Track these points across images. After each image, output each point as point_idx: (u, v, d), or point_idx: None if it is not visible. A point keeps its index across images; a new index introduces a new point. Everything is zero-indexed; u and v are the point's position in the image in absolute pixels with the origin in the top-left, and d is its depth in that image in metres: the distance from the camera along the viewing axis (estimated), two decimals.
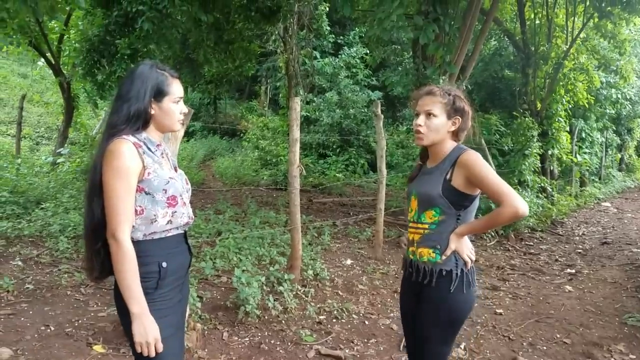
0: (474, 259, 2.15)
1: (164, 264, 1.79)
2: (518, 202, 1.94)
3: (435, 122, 2.12)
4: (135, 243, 1.74)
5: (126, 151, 1.70)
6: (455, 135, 2.19)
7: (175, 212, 1.83)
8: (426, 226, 2.14)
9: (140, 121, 1.80)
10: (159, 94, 1.83)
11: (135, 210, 1.74)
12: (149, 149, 1.80)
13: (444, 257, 2.09)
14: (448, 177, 2.08)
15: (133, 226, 1.74)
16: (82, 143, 11.31)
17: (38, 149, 14.13)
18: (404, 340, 3.93)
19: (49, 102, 15.69)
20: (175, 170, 1.94)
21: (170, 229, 1.83)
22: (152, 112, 1.83)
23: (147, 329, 1.70)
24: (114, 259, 1.70)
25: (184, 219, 1.88)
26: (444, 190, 2.07)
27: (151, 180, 1.76)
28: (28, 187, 7.40)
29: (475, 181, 2.02)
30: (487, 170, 2.01)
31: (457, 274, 2.08)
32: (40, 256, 5.14)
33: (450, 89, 2.19)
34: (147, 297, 1.73)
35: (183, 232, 1.93)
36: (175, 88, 1.87)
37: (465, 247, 2.12)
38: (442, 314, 2.10)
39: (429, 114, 2.13)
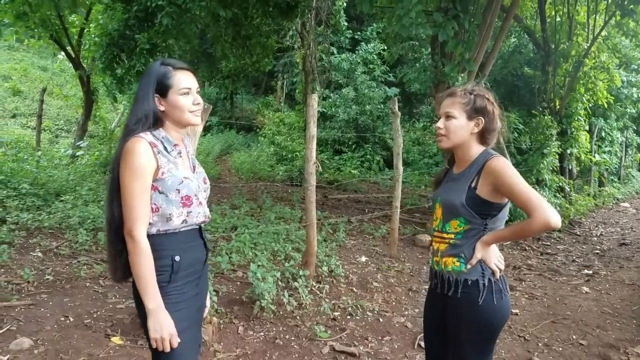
0: (502, 267, 2.00)
1: (177, 258, 1.80)
2: (549, 214, 1.78)
3: (454, 124, 2.00)
4: (149, 237, 1.76)
5: (141, 150, 1.72)
6: (481, 137, 2.04)
7: (191, 212, 1.84)
8: (452, 236, 2.01)
9: (150, 120, 1.80)
10: (162, 88, 1.81)
11: (152, 208, 1.77)
12: (165, 148, 1.81)
13: (469, 266, 1.96)
14: (473, 184, 1.95)
15: (150, 223, 1.77)
16: (101, 136, 11.44)
17: (57, 141, 14.32)
18: (418, 338, 3.94)
19: (68, 95, 15.91)
20: (194, 170, 1.94)
21: (185, 226, 1.85)
22: (163, 108, 1.83)
23: (161, 325, 1.72)
24: (130, 256, 1.73)
25: (199, 218, 1.89)
26: (468, 199, 1.94)
27: (165, 180, 1.77)
28: (48, 179, 7.50)
29: (503, 190, 1.89)
30: (516, 178, 1.86)
31: (484, 284, 1.94)
32: (59, 248, 5.21)
33: (473, 88, 2.05)
34: (161, 290, 1.75)
35: (198, 227, 1.94)
36: (179, 79, 1.82)
37: (493, 256, 1.97)
38: (472, 327, 1.96)
39: (448, 116, 2.02)
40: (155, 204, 1.77)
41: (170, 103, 1.82)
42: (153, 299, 1.72)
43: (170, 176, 1.78)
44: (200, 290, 1.95)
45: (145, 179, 1.73)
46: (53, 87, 17.40)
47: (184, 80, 1.83)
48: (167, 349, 1.74)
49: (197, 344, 1.94)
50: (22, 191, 6.69)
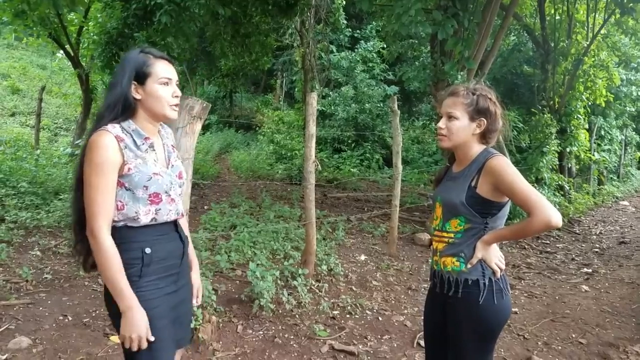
0: (503, 267, 1.98)
1: (148, 250, 1.71)
2: (550, 213, 1.75)
3: (457, 125, 1.97)
4: (117, 229, 1.68)
5: (105, 144, 1.63)
6: (482, 137, 2.01)
7: (160, 209, 1.75)
8: (451, 235, 1.99)
9: (119, 107, 1.70)
10: (140, 76, 1.72)
11: (116, 205, 1.68)
12: (134, 142, 1.71)
13: (469, 266, 1.94)
14: (473, 183, 1.92)
15: (114, 220, 1.68)
16: None
17: (56, 140, 14.31)
18: (417, 337, 3.93)
19: (67, 93, 15.93)
20: (168, 163, 1.83)
21: (155, 223, 1.76)
22: (139, 97, 1.73)
23: (132, 325, 1.63)
24: (95, 257, 1.65)
25: (170, 215, 1.80)
26: (468, 198, 1.92)
27: (132, 176, 1.67)
28: (47, 178, 7.49)
29: (503, 189, 1.86)
30: (516, 177, 1.83)
31: (484, 283, 1.92)
32: (58, 246, 5.20)
33: (476, 88, 2.02)
34: (132, 285, 1.65)
35: (172, 220, 1.84)
36: (160, 68, 1.74)
37: (494, 256, 1.95)
38: (472, 327, 1.94)
39: (450, 116, 1.99)
40: (120, 201, 1.68)
41: (148, 92, 1.72)
42: (124, 298, 1.62)
43: (137, 172, 1.68)
44: (179, 287, 1.85)
45: (109, 176, 1.63)
46: (52, 86, 17.40)
47: (164, 71, 1.75)
48: (134, 349, 1.65)
49: (173, 343, 1.83)
50: (21, 190, 6.68)
